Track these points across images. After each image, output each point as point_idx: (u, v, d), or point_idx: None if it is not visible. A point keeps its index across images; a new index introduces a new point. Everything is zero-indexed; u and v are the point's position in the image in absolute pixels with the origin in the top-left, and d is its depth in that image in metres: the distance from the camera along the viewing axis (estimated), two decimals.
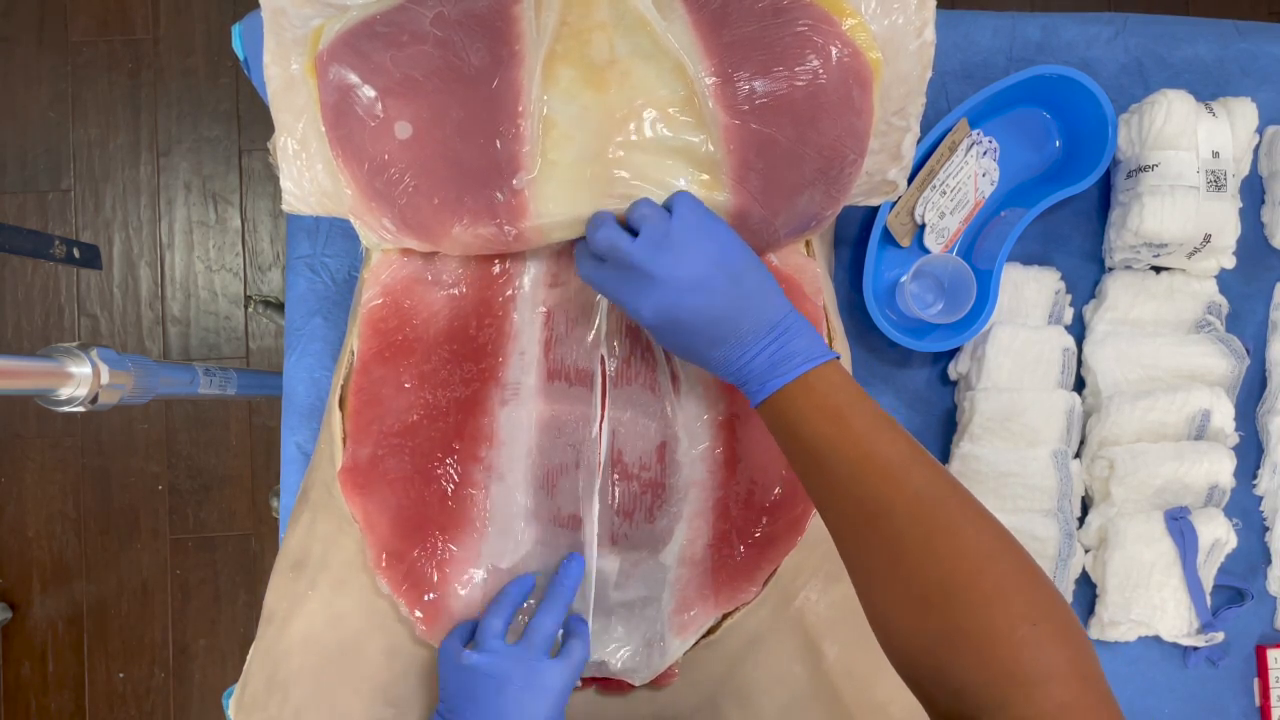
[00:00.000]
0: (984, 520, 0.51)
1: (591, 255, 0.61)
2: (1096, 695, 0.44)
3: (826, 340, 0.71)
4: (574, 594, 0.66)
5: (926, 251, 0.79)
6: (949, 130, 0.76)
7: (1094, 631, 0.80)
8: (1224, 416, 0.78)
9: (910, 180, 0.76)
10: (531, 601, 0.68)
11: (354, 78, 0.61)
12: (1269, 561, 0.83)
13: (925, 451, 0.55)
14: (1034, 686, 0.44)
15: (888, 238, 0.79)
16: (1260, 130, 0.80)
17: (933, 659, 0.48)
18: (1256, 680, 0.82)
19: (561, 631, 0.67)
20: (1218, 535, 0.77)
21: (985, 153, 0.79)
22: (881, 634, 0.52)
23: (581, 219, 0.63)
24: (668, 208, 0.60)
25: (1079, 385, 0.81)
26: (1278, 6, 1.78)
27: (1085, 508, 0.80)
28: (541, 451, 0.69)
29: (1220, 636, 0.79)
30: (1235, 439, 0.80)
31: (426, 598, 0.68)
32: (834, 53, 0.61)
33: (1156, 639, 0.80)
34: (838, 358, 0.58)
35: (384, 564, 0.68)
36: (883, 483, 0.53)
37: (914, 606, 0.49)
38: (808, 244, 0.72)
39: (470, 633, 0.66)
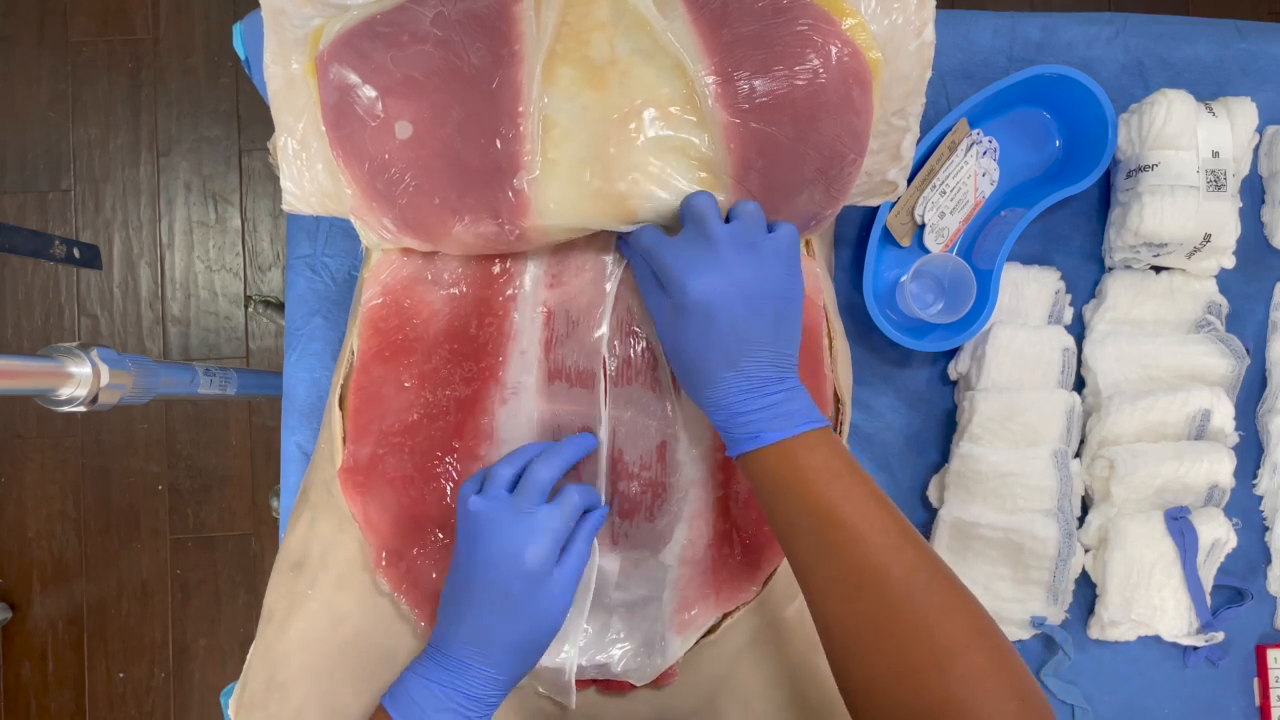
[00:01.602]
0: (972, 597, 0.52)
1: (656, 227, 0.62)
2: None
3: (826, 341, 0.71)
4: (575, 455, 0.65)
5: (926, 251, 0.79)
6: (949, 130, 0.76)
7: (1094, 631, 0.80)
8: (1224, 416, 0.78)
9: (910, 180, 0.76)
10: None
11: (354, 77, 0.61)
12: (1269, 561, 0.83)
13: (913, 527, 0.56)
14: None
15: (888, 238, 0.79)
16: (1260, 130, 0.80)
17: None
18: (1256, 680, 0.82)
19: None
20: (1218, 535, 0.77)
21: (985, 153, 0.79)
22: (863, 702, 0.52)
23: (582, 219, 0.63)
24: (770, 226, 0.61)
25: (1079, 385, 0.81)
26: (1278, 6, 1.78)
27: (1085, 508, 0.80)
28: None
29: (1220, 636, 0.79)
30: (1235, 439, 0.80)
31: (427, 596, 0.68)
32: (834, 52, 0.61)
33: (1156, 639, 0.80)
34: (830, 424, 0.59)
35: (384, 563, 0.68)
36: (881, 551, 0.53)
37: (907, 677, 0.50)
38: (808, 244, 0.72)
39: (483, 481, 0.65)
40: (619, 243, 0.66)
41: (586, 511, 0.64)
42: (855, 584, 0.53)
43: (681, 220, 0.61)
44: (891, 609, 0.51)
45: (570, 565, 0.61)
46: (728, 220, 0.60)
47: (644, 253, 0.61)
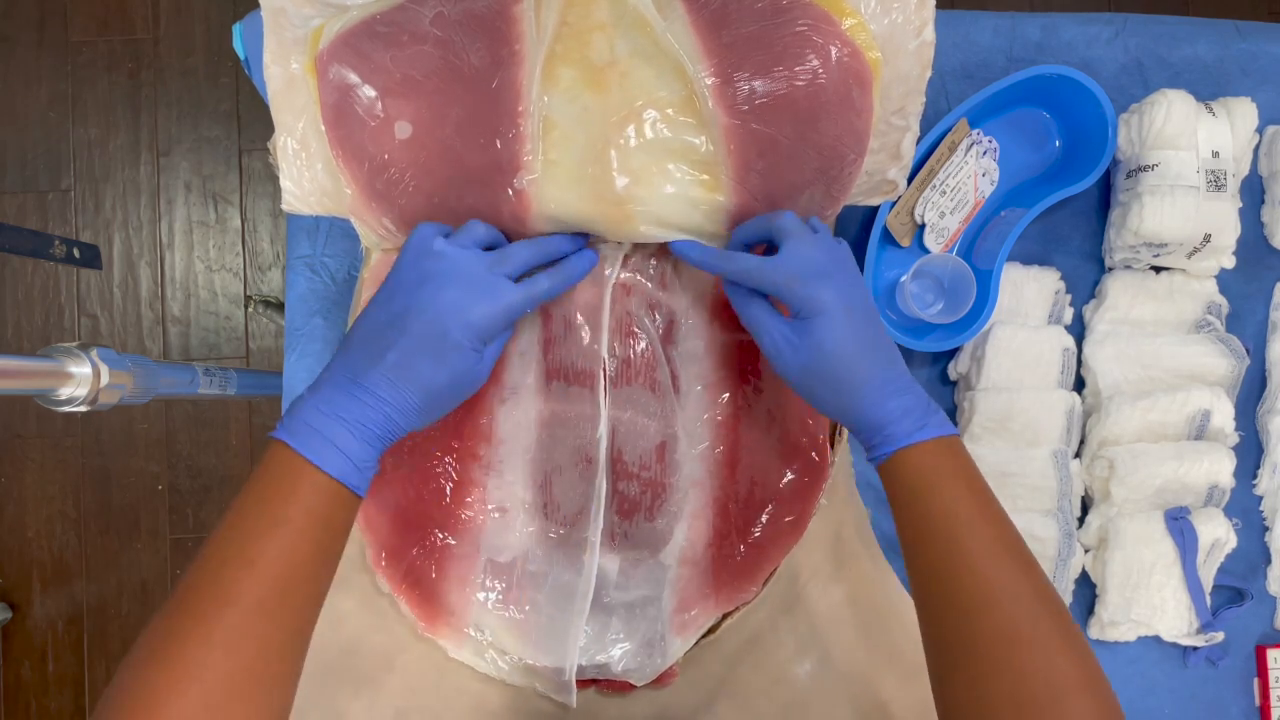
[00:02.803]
0: (1083, 635, 0.53)
1: (747, 252, 0.61)
2: None
3: None
4: (561, 251, 0.64)
5: (926, 251, 0.79)
6: (949, 130, 0.76)
7: (1094, 631, 0.80)
8: (1224, 416, 0.78)
9: (910, 180, 0.76)
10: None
11: (354, 77, 0.61)
12: (1269, 561, 0.83)
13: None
14: None
15: (888, 238, 0.79)
16: (1260, 130, 0.80)
17: None
18: (1256, 680, 0.82)
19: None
20: (1218, 535, 0.77)
21: (985, 152, 0.79)
22: (964, 716, 0.51)
23: (581, 220, 0.63)
24: (812, 225, 0.61)
25: (1079, 385, 0.81)
26: (1278, 6, 1.78)
27: (1085, 508, 0.80)
28: (541, 450, 0.69)
29: (1220, 636, 0.79)
30: (1235, 439, 0.80)
31: (427, 595, 0.68)
32: (834, 52, 0.61)
33: (1156, 639, 0.80)
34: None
35: (384, 563, 0.68)
36: (1012, 569, 0.52)
37: (1022, 707, 0.49)
38: None
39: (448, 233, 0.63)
40: (725, 288, 0.64)
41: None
42: (985, 600, 0.51)
43: (776, 240, 0.60)
44: (1017, 633, 0.50)
45: (499, 345, 0.61)
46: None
47: (748, 277, 0.60)
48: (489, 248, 0.62)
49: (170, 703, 0.45)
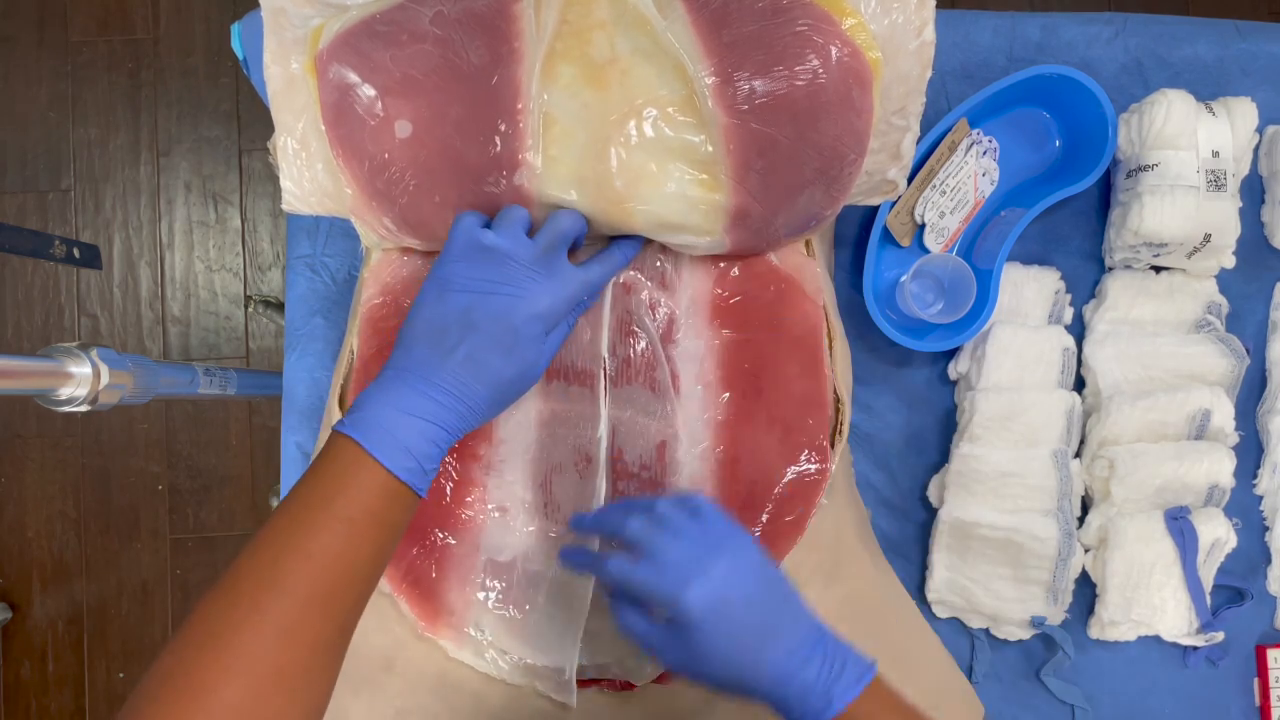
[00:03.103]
0: None
1: (620, 557, 0.57)
2: None
3: (826, 341, 0.71)
4: (577, 222, 0.62)
5: (926, 251, 0.79)
6: (949, 130, 0.76)
7: (1094, 631, 0.80)
8: (1224, 416, 0.78)
9: (910, 180, 0.76)
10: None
11: (354, 77, 0.61)
12: (1269, 561, 0.82)
13: None
14: None
15: (888, 237, 0.79)
16: (1260, 130, 0.80)
17: None
18: (1256, 680, 0.82)
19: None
20: (1218, 535, 0.77)
21: (985, 152, 0.79)
22: None
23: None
24: (689, 508, 0.57)
25: (1079, 385, 0.81)
26: (1278, 6, 1.78)
27: (1085, 508, 0.80)
28: (541, 450, 0.69)
29: (1220, 636, 0.79)
30: (1235, 439, 0.80)
31: (427, 595, 0.67)
32: (834, 52, 0.61)
33: (1156, 639, 0.80)
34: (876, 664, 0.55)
35: None
36: None
37: None
38: (808, 244, 0.72)
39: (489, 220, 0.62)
40: (610, 604, 0.60)
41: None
42: None
43: (632, 543, 0.56)
44: None
45: (562, 333, 0.63)
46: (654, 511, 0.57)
47: (618, 584, 0.56)
48: (530, 231, 0.62)
49: (220, 689, 0.45)
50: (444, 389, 0.55)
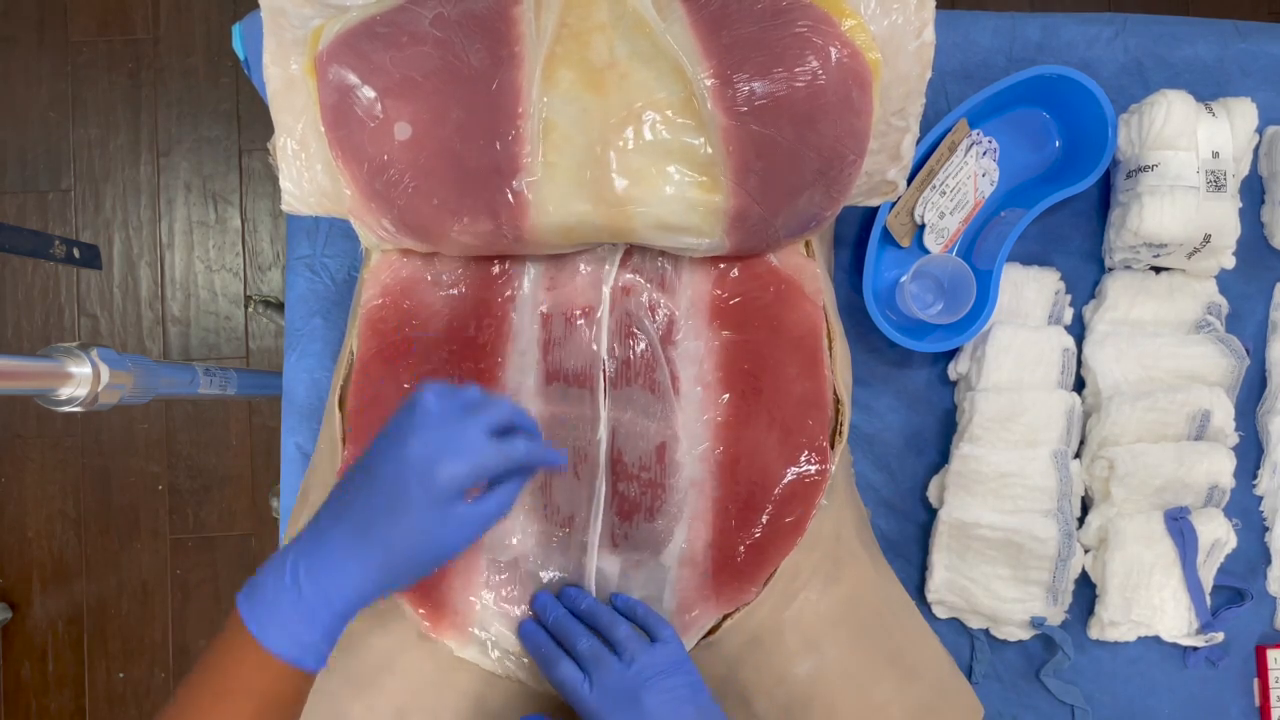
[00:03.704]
0: None
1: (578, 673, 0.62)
2: None
3: (826, 341, 0.71)
4: (539, 449, 0.57)
5: (926, 251, 0.79)
6: (949, 130, 0.76)
7: (1094, 631, 0.80)
8: (1224, 416, 0.78)
9: (910, 180, 0.76)
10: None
11: (353, 78, 0.61)
12: (1269, 561, 0.83)
13: None
14: None
15: (887, 238, 0.79)
16: (1260, 130, 0.79)
17: None
18: (1256, 680, 0.82)
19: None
20: (1218, 535, 0.77)
21: (985, 153, 0.79)
22: None
23: (580, 222, 0.63)
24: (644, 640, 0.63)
25: (1079, 385, 0.81)
26: (1278, 6, 1.78)
27: (1085, 508, 0.80)
28: None
29: (1220, 637, 0.79)
30: (1235, 439, 0.80)
31: (430, 596, 0.67)
32: (833, 54, 0.61)
33: (1156, 639, 0.80)
34: None
35: None
36: None
37: None
38: (807, 244, 0.72)
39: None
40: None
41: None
42: None
43: (583, 659, 0.62)
44: None
45: (484, 507, 0.54)
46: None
47: (563, 693, 0.62)
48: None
49: None
50: (333, 554, 0.52)
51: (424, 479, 0.52)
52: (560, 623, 0.65)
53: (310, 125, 0.65)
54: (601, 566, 0.68)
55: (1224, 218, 0.77)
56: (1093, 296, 0.82)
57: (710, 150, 0.61)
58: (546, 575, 0.69)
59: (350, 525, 0.52)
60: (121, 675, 1.65)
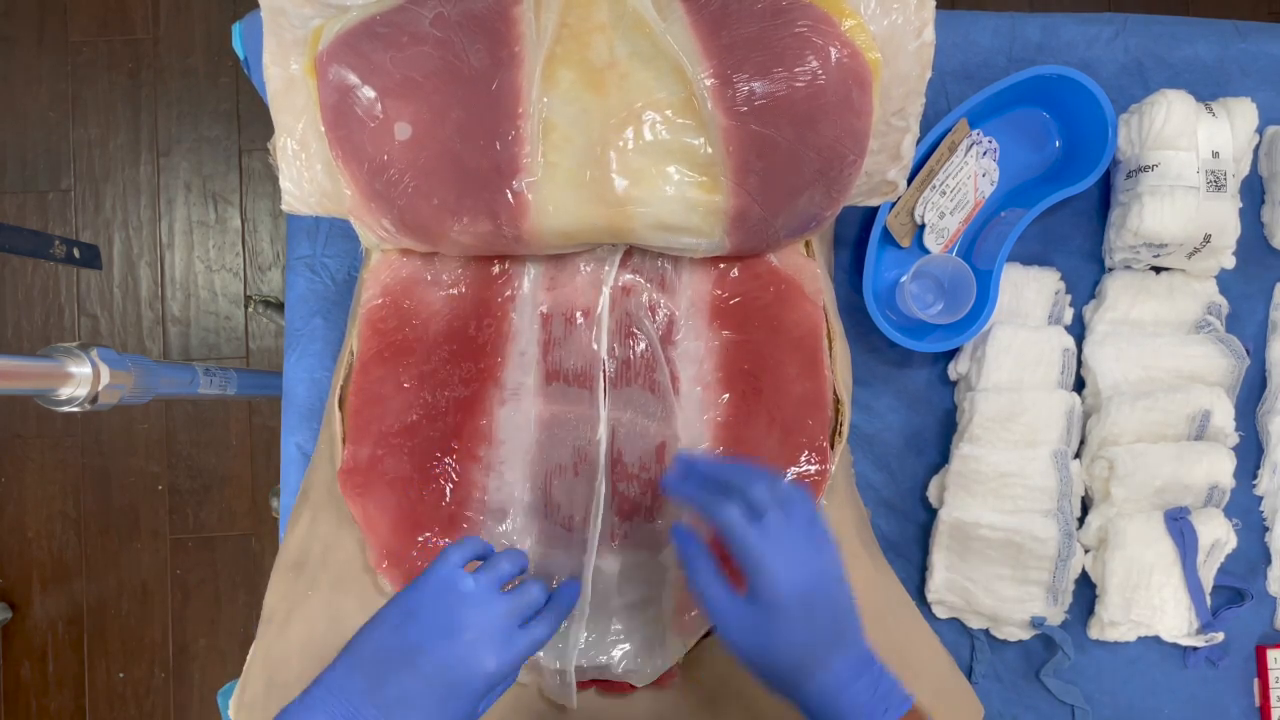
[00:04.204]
0: None
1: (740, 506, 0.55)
2: None
3: (826, 342, 0.71)
4: (546, 592, 0.59)
5: (926, 251, 0.79)
6: (949, 130, 0.76)
7: (1094, 631, 0.80)
8: (1224, 416, 0.78)
9: (910, 180, 0.76)
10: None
11: (354, 78, 0.61)
12: (1269, 561, 0.82)
13: None
14: None
15: (888, 238, 0.79)
16: (1260, 130, 0.80)
17: None
18: (1256, 680, 0.82)
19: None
20: (1218, 535, 0.77)
21: (985, 153, 0.79)
22: None
23: (580, 223, 0.63)
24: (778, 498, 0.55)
25: (1079, 385, 0.81)
26: (1278, 6, 1.78)
27: (1085, 508, 0.80)
28: (541, 452, 0.69)
29: (1220, 637, 0.79)
30: (1235, 439, 0.80)
31: None
32: (833, 54, 0.61)
33: (1156, 639, 0.80)
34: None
35: (385, 564, 0.68)
36: None
37: None
38: (807, 244, 0.72)
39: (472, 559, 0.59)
40: (673, 535, 0.60)
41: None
42: None
43: (755, 504, 0.55)
44: None
45: (500, 691, 0.57)
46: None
47: (726, 532, 0.55)
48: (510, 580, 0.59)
49: None
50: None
51: (476, 679, 0.53)
52: (718, 469, 0.60)
53: (310, 125, 0.65)
54: (601, 566, 0.68)
55: (1224, 218, 0.77)
56: (1093, 296, 0.82)
57: (710, 150, 0.61)
58: (546, 575, 0.69)
59: (388, 703, 0.52)
60: (121, 675, 1.64)
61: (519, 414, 0.69)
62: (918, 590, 0.80)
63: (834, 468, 0.70)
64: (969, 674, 0.80)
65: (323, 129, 0.62)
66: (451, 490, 0.68)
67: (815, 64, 0.60)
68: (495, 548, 0.68)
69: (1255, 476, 0.83)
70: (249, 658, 0.68)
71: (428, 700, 0.52)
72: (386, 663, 0.53)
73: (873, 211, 0.77)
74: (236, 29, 0.73)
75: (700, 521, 0.59)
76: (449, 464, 0.68)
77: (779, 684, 0.56)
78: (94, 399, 0.75)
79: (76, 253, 0.89)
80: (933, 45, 0.65)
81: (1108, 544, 0.77)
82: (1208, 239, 0.76)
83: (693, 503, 0.58)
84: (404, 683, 0.52)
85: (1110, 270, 0.81)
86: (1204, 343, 0.79)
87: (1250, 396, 0.83)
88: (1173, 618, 0.78)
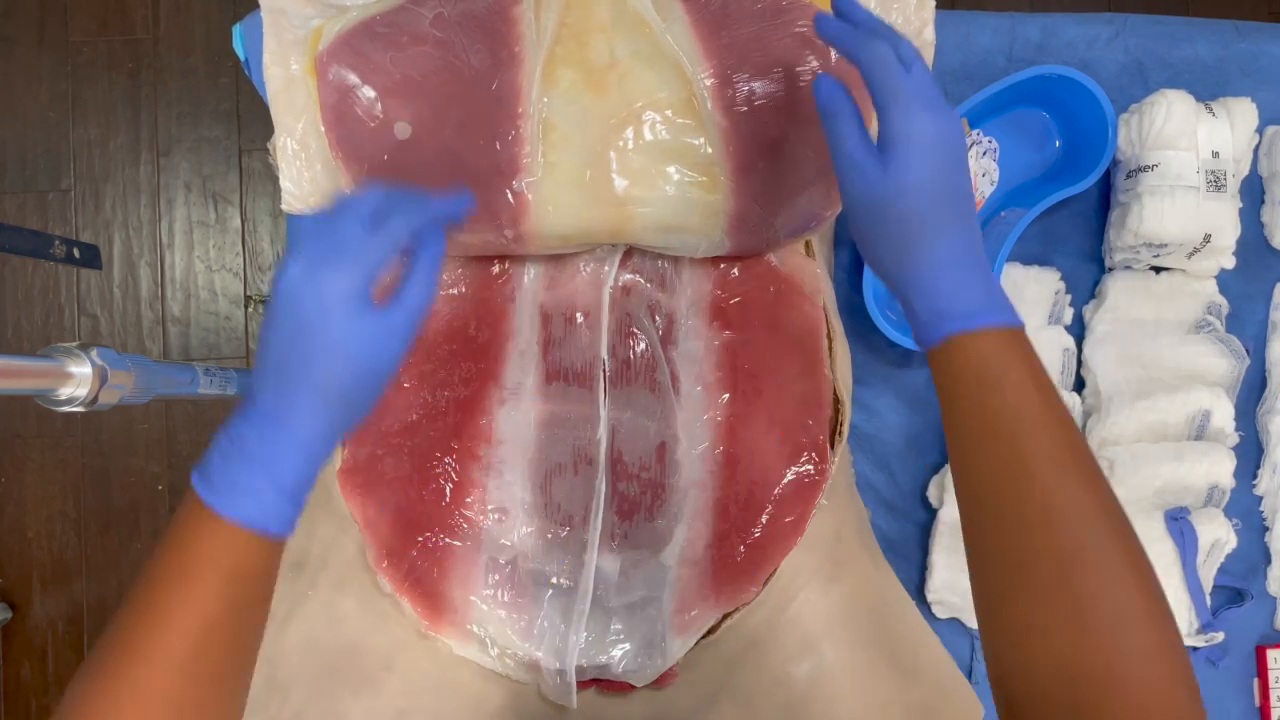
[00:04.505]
0: (1148, 560, 0.46)
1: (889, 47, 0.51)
2: None
3: (826, 341, 0.71)
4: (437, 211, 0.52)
5: None
6: None
7: None
8: (1224, 416, 0.78)
9: None
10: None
11: (354, 78, 0.61)
12: (1269, 561, 0.83)
13: None
14: None
15: None
16: (1260, 130, 0.80)
17: (1080, 674, 0.43)
18: (1256, 680, 0.82)
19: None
20: (1218, 535, 0.77)
21: (985, 153, 0.79)
22: (1012, 653, 0.45)
23: (580, 223, 0.63)
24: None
25: (1079, 385, 0.81)
26: (1278, 6, 1.78)
27: None
28: (541, 451, 0.69)
29: (1220, 637, 0.79)
30: (1235, 439, 0.80)
31: (430, 595, 0.68)
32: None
33: None
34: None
35: (384, 563, 0.68)
36: (1080, 483, 0.46)
37: (1077, 634, 0.43)
38: (807, 244, 0.72)
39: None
40: (818, 87, 0.54)
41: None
42: (1047, 514, 0.45)
43: (910, 61, 0.51)
44: (1079, 551, 0.44)
45: (395, 310, 0.48)
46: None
47: (869, 68, 0.51)
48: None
49: None
50: (268, 411, 0.47)
51: (314, 301, 0.46)
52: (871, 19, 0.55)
53: (310, 125, 0.65)
54: (601, 565, 0.68)
55: (1224, 218, 0.77)
56: (1093, 296, 0.82)
57: (710, 150, 0.61)
58: (546, 575, 0.69)
59: (271, 376, 0.47)
60: None
61: (519, 413, 0.69)
62: (918, 590, 0.80)
63: (834, 467, 0.70)
64: (969, 674, 0.80)
65: (323, 129, 0.63)
66: (451, 490, 0.68)
67: (815, 64, 0.60)
68: (495, 547, 0.68)
69: (1255, 476, 0.83)
70: None
71: (287, 347, 0.47)
72: (262, 341, 0.48)
73: None
74: (236, 29, 0.73)
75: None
76: (449, 464, 0.68)
77: (891, 249, 0.51)
78: (94, 399, 0.75)
79: (76, 253, 0.89)
80: (933, 45, 0.65)
81: None
82: (1208, 239, 0.76)
83: (845, 41, 0.53)
84: (266, 346, 0.47)
85: (1110, 270, 0.81)
86: (1204, 343, 0.79)
87: (1250, 396, 0.83)
88: None
